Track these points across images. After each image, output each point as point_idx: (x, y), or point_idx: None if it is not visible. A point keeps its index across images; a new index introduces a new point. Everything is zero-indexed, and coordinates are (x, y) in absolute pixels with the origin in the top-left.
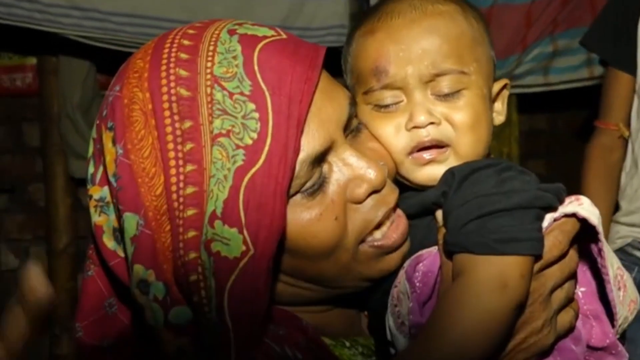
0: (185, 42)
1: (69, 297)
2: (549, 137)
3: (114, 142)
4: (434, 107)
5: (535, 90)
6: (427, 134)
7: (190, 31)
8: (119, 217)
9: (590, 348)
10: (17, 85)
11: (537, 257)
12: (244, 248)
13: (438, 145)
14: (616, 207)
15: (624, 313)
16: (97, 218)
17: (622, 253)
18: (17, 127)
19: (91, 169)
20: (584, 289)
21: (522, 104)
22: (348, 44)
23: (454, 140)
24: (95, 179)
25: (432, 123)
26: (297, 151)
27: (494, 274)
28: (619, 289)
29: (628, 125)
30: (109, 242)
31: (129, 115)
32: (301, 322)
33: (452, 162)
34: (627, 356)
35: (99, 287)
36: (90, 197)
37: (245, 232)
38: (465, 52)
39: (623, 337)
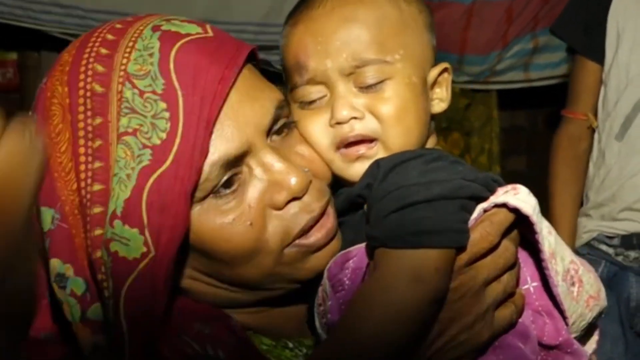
0: (109, 37)
1: None
2: (529, 133)
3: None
4: (357, 100)
5: (515, 87)
6: (350, 130)
7: (118, 25)
8: (37, 211)
9: (544, 347)
10: None
11: (460, 249)
12: (144, 249)
13: (365, 139)
14: (583, 200)
15: (578, 309)
16: None
17: (588, 247)
18: None
19: None
20: (536, 284)
21: (502, 100)
22: (281, 35)
23: (381, 133)
24: None
25: (355, 118)
26: (204, 153)
27: (406, 268)
28: (573, 284)
29: (596, 114)
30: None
31: (49, 109)
32: (230, 321)
33: (382, 156)
34: (587, 355)
35: (42, 276)
36: None
37: (146, 233)
38: (389, 40)
39: (589, 335)
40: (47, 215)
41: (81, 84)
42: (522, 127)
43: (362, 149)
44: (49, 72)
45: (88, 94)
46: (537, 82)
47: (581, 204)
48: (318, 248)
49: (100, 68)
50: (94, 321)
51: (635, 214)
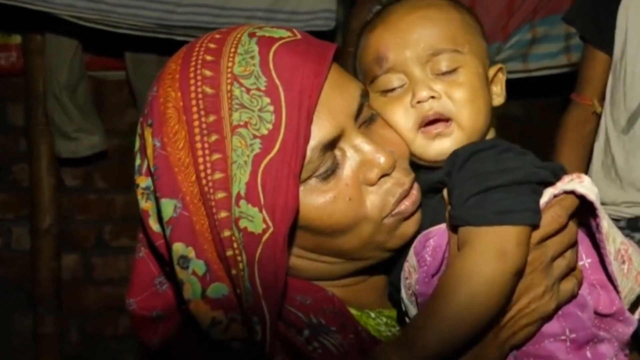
0: (211, 46)
1: (53, 276)
2: (525, 123)
3: (153, 137)
4: (434, 84)
5: (514, 77)
6: (430, 108)
7: (217, 35)
8: (157, 203)
9: (599, 315)
10: (1, 65)
11: (534, 227)
12: (264, 225)
13: (442, 118)
14: None
15: (629, 284)
16: (143, 204)
17: None
18: (1, 106)
19: (137, 161)
20: (590, 260)
21: None
22: (356, 48)
23: (455, 113)
24: (141, 170)
25: (432, 97)
26: (307, 139)
27: (493, 243)
28: (623, 262)
29: (602, 100)
30: (154, 225)
31: (164, 112)
32: (327, 292)
33: (457, 135)
34: (636, 323)
35: (149, 267)
36: (137, 185)
37: (264, 211)
38: (458, 34)
39: (635, 307)
40: (169, 205)
41: (192, 88)
42: (516, 116)
43: (439, 127)
44: (158, 81)
45: (200, 95)
46: (535, 73)
47: None
48: (408, 216)
49: (208, 73)
50: (213, 299)
51: (639, 204)
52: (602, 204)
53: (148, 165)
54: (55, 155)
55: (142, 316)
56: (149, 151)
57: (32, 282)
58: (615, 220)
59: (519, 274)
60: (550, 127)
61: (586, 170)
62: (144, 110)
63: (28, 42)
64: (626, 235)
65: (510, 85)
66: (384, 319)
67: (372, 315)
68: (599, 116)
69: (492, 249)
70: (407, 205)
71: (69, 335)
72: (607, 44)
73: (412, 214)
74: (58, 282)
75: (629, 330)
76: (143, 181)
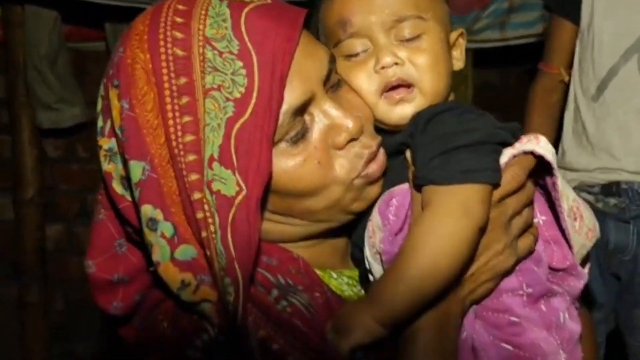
0: (180, 7)
1: (37, 246)
2: (501, 91)
3: (119, 98)
4: (397, 50)
5: (492, 45)
6: (393, 74)
7: None
8: (125, 165)
9: (553, 270)
10: None
11: (495, 185)
12: (237, 188)
13: (404, 84)
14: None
15: (580, 240)
16: (106, 166)
17: None
18: None
19: (100, 123)
20: (545, 218)
21: (476, 58)
22: (318, 10)
23: (418, 79)
24: (104, 132)
25: (396, 64)
26: (279, 103)
27: (457, 201)
28: (575, 219)
29: (569, 68)
30: (117, 187)
31: (132, 74)
32: (292, 254)
33: (419, 100)
34: (587, 277)
35: (109, 230)
36: (100, 147)
37: (237, 174)
38: (421, 2)
39: (585, 263)
40: (138, 167)
41: (162, 50)
42: (494, 84)
43: (402, 92)
44: (122, 42)
45: (170, 57)
46: (512, 41)
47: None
48: (374, 180)
49: (178, 35)
50: (182, 261)
51: (613, 164)
52: (575, 170)
53: (112, 126)
54: (37, 126)
55: (102, 279)
56: (115, 112)
57: (17, 252)
58: (589, 186)
59: (482, 230)
60: (527, 95)
61: (555, 138)
62: (108, 71)
63: (8, 14)
64: (599, 201)
65: (488, 53)
66: (346, 279)
67: (334, 275)
68: (566, 84)
69: (456, 206)
70: (374, 168)
71: (53, 304)
72: (573, 13)
73: (378, 179)
74: (42, 252)
75: (580, 284)
76: (106, 143)
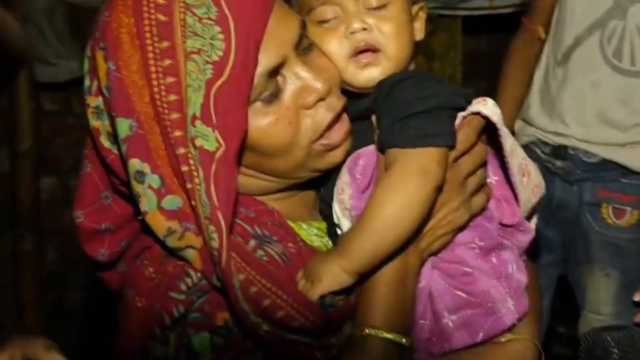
0: None
1: (32, 197)
2: (490, 58)
3: (106, 60)
4: (366, 17)
5: (481, 13)
6: (361, 39)
7: None
8: (112, 121)
9: (503, 225)
10: None
11: (451, 148)
12: (217, 144)
13: (371, 49)
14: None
15: (527, 196)
16: (94, 122)
17: (526, 149)
18: None
19: (87, 82)
20: (497, 178)
21: (465, 26)
22: None
23: (384, 44)
24: (91, 90)
25: (364, 29)
26: (255, 67)
27: (417, 163)
28: (523, 175)
29: (547, 27)
30: (105, 142)
31: (118, 37)
32: (267, 206)
33: (384, 64)
34: (533, 232)
35: (95, 182)
36: (88, 105)
37: (216, 131)
38: None
39: (530, 217)
40: (125, 124)
41: (145, 15)
42: (484, 51)
43: (369, 57)
44: (107, 6)
45: (153, 22)
46: (501, 10)
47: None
48: (336, 146)
49: (161, 1)
50: (168, 210)
51: (565, 130)
52: (534, 126)
53: (99, 85)
54: (35, 80)
55: (90, 228)
56: (101, 73)
57: (12, 204)
58: (543, 144)
59: (439, 189)
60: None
61: (525, 93)
62: (94, 34)
63: None
64: (547, 162)
65: (477, 21)
66: (315, 230)
67: (304, 226)
68: (543, 42)
69: (415, 168)
70: (336, 137)
71: (47, 254)
72: None
73: (340, 144)
74: (37, 204)
75: (528, 238)
76: (93, 101)
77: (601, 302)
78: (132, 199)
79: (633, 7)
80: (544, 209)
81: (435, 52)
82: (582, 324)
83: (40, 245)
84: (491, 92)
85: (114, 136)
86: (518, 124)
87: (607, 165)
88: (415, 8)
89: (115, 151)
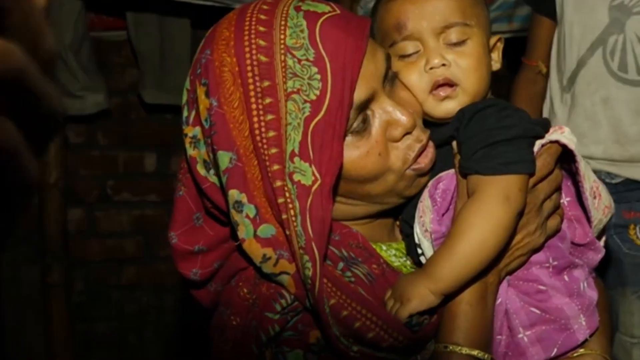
0: (262, 17)
1: (59, 229)
2: (508, 82)
3: (207, 95)
4: (445, 53)
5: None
6: (441, 74)
7: (265, 7)
8: (214, 154)
9: (575, 245)
10: None
11: (531, 175)
12: (313, 178)
13: (449, 83)
14: None
15: (598, 216)
16: (191, 152)
17: None
18: None
19: (185, 113)
20: (569, 199)
21: None
22: (374, 13)
23: (462, 79)
24: (189, 121)
25: (443, 65)
26: (350, 105)
27: (500, 189)
28: (595, 197)
29: (547, 61)
30: (201, 170)
31: (220, 75)
32: (351, 229)
33: (462, 97)
34: (604, 251)
35: (188, 204)
36: (185, 135)
37: (313, 166)
38: (468, 9)
39: (600, 237)
40: (225, 157)
41: (247, 55)
42: (504, 76)
43: (447, 90)
44: (208, 45)
45: (255, 62)
46: (520, 33)
47: None
48: (424, 173)
49: (262, 42)
50: (263, 238)
51: (582, 152)
52: None
53: (197, 117)
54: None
55: (183, 249)
56: (202, 107)
57: (40, 235)
58: None
59: (521, 214)
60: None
61: None
62: (195, 69)
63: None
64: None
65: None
66: (393, 251)
67: (384, 247)
68: (544, 76)
69: (499, 194)
70: (425, 162)
71: (74, 284)
72: (549, 10)
73: (428, 172)
74: (64, 235)
75: (598, 257)
76: (191, 131)
77: (635, 324)
78: (224, 222)
79: (630, 20)
80: None
81: None
82: (617, 349)
83: (67, 276)
84: None
85: (209, 164)
86: None
87: (631, 185)
88: (493, 40)
89: (211, 179)
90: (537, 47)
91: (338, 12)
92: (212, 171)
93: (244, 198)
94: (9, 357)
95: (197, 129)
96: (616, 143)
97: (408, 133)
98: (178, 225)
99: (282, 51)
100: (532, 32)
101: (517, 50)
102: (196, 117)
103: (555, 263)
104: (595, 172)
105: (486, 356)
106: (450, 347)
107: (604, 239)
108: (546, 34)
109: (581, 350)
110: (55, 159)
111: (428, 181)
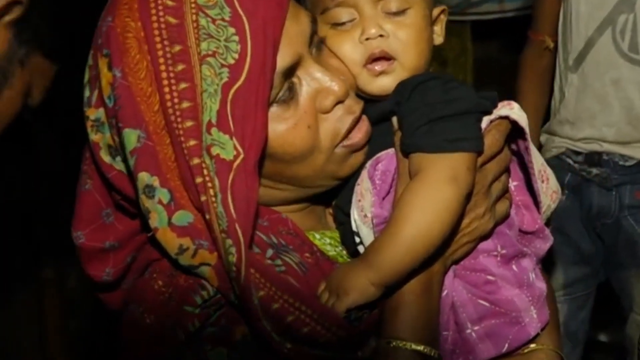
0: None
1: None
2: (500, 64)
3: (110, 67)
4: (383, 22)
5: (490, 17)
6: (377, 46)
7: None
8: (119, 133)
9: (522, 232)
10: None
11: (479, 153)
12: (235, 152)
13: (386, 57)
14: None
15: (547, 202)
16: (93, 136)
17: (557, 159)
18: None
19: (87, 93)
20: (516, 183)
21: (475, 32)
22: None
23: (400, 53)
24: (91, 102)
25: (381, 36)
26: (273, 68)
27: (446, 169)
28: (543, 181)
29: (554, 35)
30: (105, 156)
31: (124, 43)
32: (280, 215)
33: (399, 73)
34: (552, 240)
35: (96, 199)
36: (87, 118)
37: (234, 138)
38: None
39: (548, 224)
40: (133, 135)
41: (154, 18)
42: (493, 58)
43: (383, 65)
44: (109, 11)
45: (162, 25)
46: (510, 13)
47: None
48: (358, 148)
49: (170, 3)
50: (179, 226)
51: (595, 134)
52: (561, 137)
53: (100, 95)
54: None
55: (92, 248)
56: (104, 82)
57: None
58: (575, 153)
59: (469, 196)
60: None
61: (547, 102)
62: (96, 40)
63: None
64: (582, 170)
65: (486, 27)
66: (328, 240)
67: (317, 236)
68: (552, 52)
69: (445, 174)
70: (359, 137)
71: (67, 281)
72: None
73: (362, 147)
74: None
75: (547, 245)
76: (93, 113)
77: None
78: (135, 215)
79: None
80: (582, 218)
81: (447, 58)
82: (631, 328)
83: (60, 272)
84: (502, 98)
85: (116, 149)
86: (543, 137)
87: None
88: (436, 11)
89: (118, 166)
90: (543, 20)
91: None
92: (118, 157)
93: (155, 181)
94: (2, 353)
95: (101, 110)
96: (629, 125)
97: (340, 102)
98: (84, 223)
99: (194, 10)
100: (536, 5)
101: (508, 32)
102: (99, 96)
103: (504, 252)
104: (609, 154)
105: (433, 352)
106: (394, 343)
107: (550, 228)
108: (552, 7)
109: (532, 346)
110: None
111: (365, 161)
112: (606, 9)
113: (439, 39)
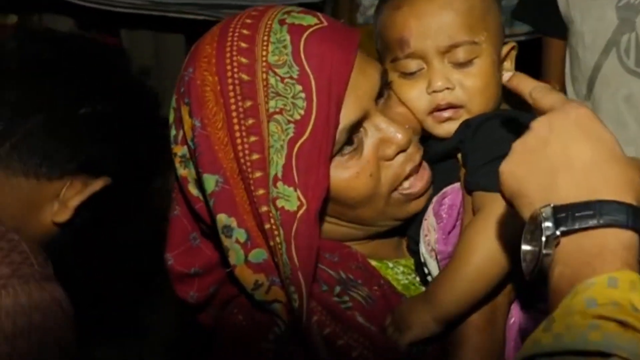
0: (245, 32)
1: None
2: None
3: (190, 115)
4: (450, 74)
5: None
6: (443, 98)
7: (248, 20)
8: (199, 177)
9: None
10: None
11: None
12: (298, 203)
13: (453, 107)
14: None
15: None
16: (182, 171)
17: None
18: None
19: (173, 132)
20: None
21: None
22: (377, 13)
23: (467, 102)
24: (177, 140)
25: (447, 88)
26: (336, 125)
27: (506, 207)
28: None
29: (561, 83)
30: (193, 190)
31: (202, 95)
32: (351, 249)
33: (465, 118)
34: None
35: (183, 224)
36: (175, 154)
37: (298, 190)
38: (476, 24)
39: None
40: (211, 180)
41: (229, 74)
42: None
43: (450, 112)
44: (190, 62)
45: (236, 82)
46: (521, 37)
47: None
48: (419, 195)
49: (244, 60)
50: (254, 263)
51: None
52: None
53: (184, 136)
54: None
55: (180, 272)
56: (186, 127)
57: None
58: None
59: None
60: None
61: None
62: (179, 87)
63: (24, 22)
64: None
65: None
66: (401, 268)
67: (390, 265)
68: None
69: (505, 212)
70: (420, 186)
71: None
72: (557, 29)
73: (421, 195)
74: None
75: None
76: (180, 150)
77: None
78: (219, 245)
79: (639, 17)
80: None
81: None
82: None
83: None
84: None
85: (201, 189)
86: None
87: None
88: (505, 49)
89: (202, 199)
90: (550, 69)
91: (325, 24)
92: None
93: (233, 222)
94: None
95: (185, 148)
96: None
97: (402, 151)
98: (174, 246)
99: (264, 69)
100: (545, 55)
101: (518, 55)
102: (183, 136)
103: None
104: None
105: None
106: None
107: None
108: (558, 53)
109: None
110: None
111: (432, 197)
112: (609, 32)
113: (508, 74)
